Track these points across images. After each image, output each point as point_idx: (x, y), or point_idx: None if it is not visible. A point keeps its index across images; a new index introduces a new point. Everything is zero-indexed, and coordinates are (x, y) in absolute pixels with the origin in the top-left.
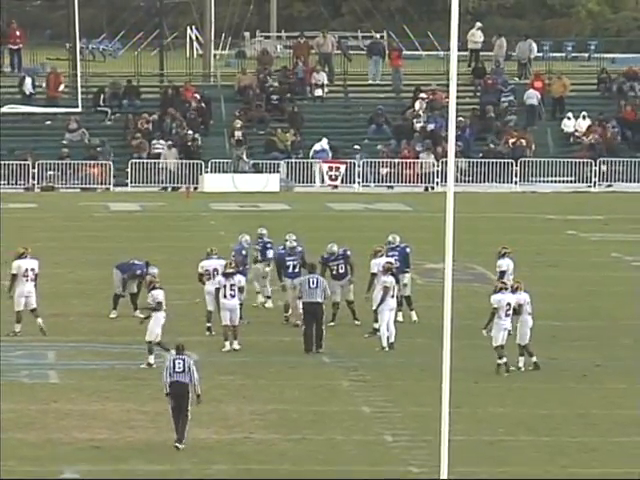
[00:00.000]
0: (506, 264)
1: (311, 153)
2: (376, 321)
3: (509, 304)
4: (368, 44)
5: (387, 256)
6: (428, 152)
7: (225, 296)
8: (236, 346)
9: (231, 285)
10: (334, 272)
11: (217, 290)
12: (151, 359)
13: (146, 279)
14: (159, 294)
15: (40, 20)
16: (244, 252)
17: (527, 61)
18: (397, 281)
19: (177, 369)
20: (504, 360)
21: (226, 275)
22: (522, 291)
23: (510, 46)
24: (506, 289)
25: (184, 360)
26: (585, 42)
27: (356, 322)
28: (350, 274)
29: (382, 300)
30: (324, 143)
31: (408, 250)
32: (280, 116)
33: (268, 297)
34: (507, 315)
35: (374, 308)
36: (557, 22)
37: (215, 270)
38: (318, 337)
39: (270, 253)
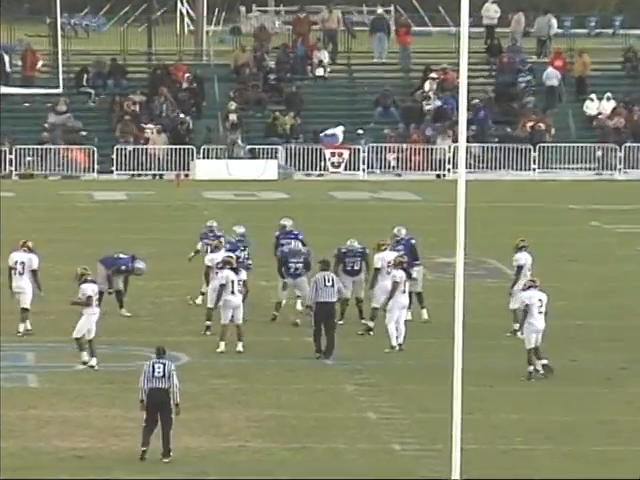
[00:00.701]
0: (524, 258)
1: (321, 136)
2: (372, 319)
3: (541, 300)
4: (372, 19)
5: (394, 250)
6: (443, 136)
7: (233, 292)
8: (240, 347)
9: (239, 281)
10: (348, 268)
11: (222, 286)
12: (84, 357)
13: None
14: (88, 288)
15: None
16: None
17: (547, 38)
18: (409, 276)
19: (157, 374)
20: (534, 367)
21: (235, 270)
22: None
23: (528, 22)
24: (536, 286)
25: (164, 365)
26: (610, 17)
27: (362, 321)
28: (366, 272)
29: (391, 296)
30: (339, 130)
31: (413, 242)
32: (278, 97)
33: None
34: (540, 313)
35: (374, 305)
36: None
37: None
38: (330, 345)
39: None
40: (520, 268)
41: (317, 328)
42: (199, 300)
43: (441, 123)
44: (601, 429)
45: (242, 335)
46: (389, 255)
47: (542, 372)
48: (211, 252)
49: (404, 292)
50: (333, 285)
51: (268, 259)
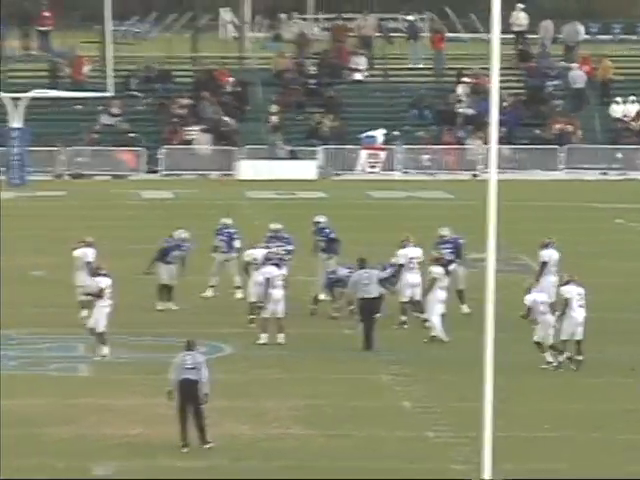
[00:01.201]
0: (548, 255)
1: (362, 137)
2: (404, 313)
3: (580, 294)
4: (407, 26)
5: (439, 249)
6: (474, 138)
7: (275, 287)
8: (281, 339)
9: (280, 276)
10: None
11: (267, 280)
12: (104, 350)
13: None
14: (102, 281)
15: (70, 1)
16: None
17: (574, 44)
18: (447, 272)
19: (187, 366)
20: (567, 355)
21: (277, 265)
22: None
23: (556, 28)
24: (574, 280)
25: (194, 357)
26: (634, 24)
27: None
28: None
29: (429, 291)
30: (379, 133)
31: (461, 241)
32: (318, 101)
33: (238, 287)
34: (580, 306)
35: (400, 300)
36: (605, 3)
37: (264, 260)
38: (369, 337)
39: (237, 243)
40: (544, 264)
41: (363, 323)
42: (210, 293)
43: (473, 125)
44: (626, 417)
45: (283, 328)
46: (412, 251)
47: (557, 363)
48: (253, 248)
49: (442, 288)
50: (371, 282)
51: (307, 255)
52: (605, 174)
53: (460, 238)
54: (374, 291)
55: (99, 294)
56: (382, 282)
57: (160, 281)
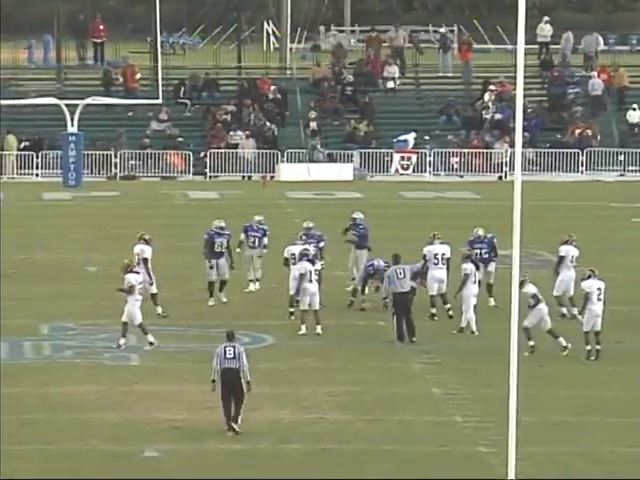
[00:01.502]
0: (565, 250)
1: (394, 142)
2: (433, 306)
3: (599, 289)
4: (437, 38)
5: (474, 248)
6: (500, 142)
7: (311, 281)
8: (319, 330)
9: (315, 270)
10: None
11: (302, 275)
12: (122, 341)
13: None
14: (132, 277)
15: (122, 14)
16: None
17: (593, 54)
18: (477, 268)
19: (228, 356)
20: (592, 347)
21: (311, 261)
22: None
23: (577, 39)
24: (595, 275)
25: (235, 347)
26: None
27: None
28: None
29: (462, 287)
30: (410, 136)
31: (495, 240)
32: (354, 107)
33: (257, 280)
34: (599, 300)
35: (430, 294)
36: (622, 16)
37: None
38: (410, 327)
39: (266, 240)
40: (561, 258)
41: (398, 317)
42: (252, 287)
43: (499, 130)
44: None
45: (319, 319)
46: (438, 248)
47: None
48: (292, 245)
49: (474, 282)
50: (405, 276)
51: (344, 252)
52: (622, 175)
53: (494, 237)
54: (407, 285)
55: (130, 290)
56: (414, 276)
57: (210, 278)
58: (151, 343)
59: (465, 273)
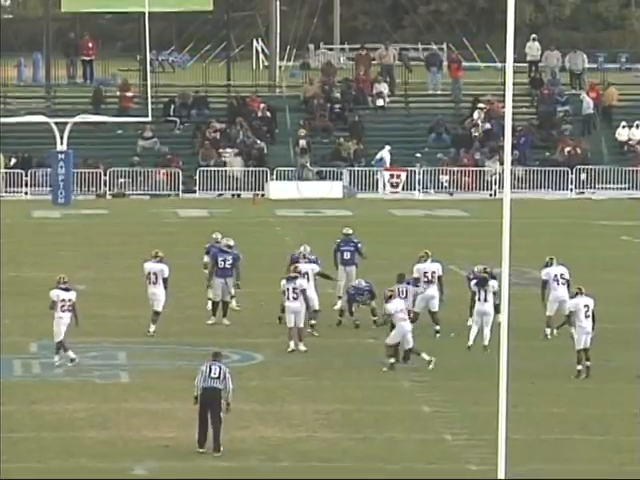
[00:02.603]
0: (546, 273)
1: (373, 162)
2: (437, 323)
3: (587, 306)
4: (426, 55)
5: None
6: (490, 160)
7: (289, 298)
8: (302, 347)
9: (293, 288)
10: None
11: (284, 293)
12: (56, 358)
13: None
14: (54, 294)
15: (112, 33)
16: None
17: (580, 72)
18: (482, 285)
19: (212, 375)
20: (582, 365)
21: (288, 279)
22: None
23: (563, 58)
24: (582, 293)
25: (220, 367)
26: (639, 53)
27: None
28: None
29: (472, 305)
30: (385, 151)
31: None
32: (343, 125)
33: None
34: (587, 317)
35: (415, 311)
36: (612, 34)
37: (306, 273)
38: (406, 351)
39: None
40: (545, 282)
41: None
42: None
43: (488, 148)
44: (632, 421)
45: (302, 336)
46: (428, 266)
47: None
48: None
49: (479, 300)
50: (407, 296)
51: (335, 269)
52: (611, 194)
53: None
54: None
55: (51, 307)
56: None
57: (214, 298)
58: (72, 359)
59: (473, 291)
